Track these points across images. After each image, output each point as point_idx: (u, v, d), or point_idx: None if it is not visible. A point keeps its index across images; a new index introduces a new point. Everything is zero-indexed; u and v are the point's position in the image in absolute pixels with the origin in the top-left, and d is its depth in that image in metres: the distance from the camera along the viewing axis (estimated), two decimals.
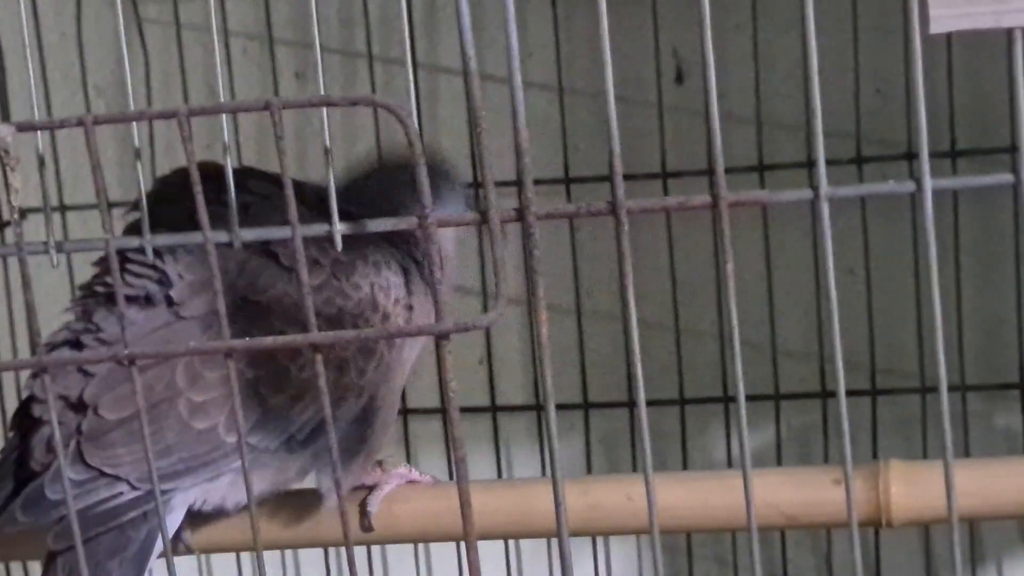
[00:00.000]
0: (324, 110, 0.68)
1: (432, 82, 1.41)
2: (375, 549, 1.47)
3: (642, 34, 1.37)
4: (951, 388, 1.34)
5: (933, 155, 1.29)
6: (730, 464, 1.41)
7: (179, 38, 1.41)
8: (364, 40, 1.39)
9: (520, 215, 0.65)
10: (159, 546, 0.89)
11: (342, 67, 1.43)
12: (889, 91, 1.38)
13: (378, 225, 0.66)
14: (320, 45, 1.38)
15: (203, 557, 1.47)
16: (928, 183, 0.61)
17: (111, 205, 1.43)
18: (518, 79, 0.63)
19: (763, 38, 1.35)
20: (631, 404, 1.39)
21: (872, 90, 1.37)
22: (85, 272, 1.45)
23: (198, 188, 0.63)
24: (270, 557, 1.50)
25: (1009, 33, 0.60)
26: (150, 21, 1.44)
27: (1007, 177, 0.61)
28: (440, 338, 0.64)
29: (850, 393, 1.35)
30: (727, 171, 1.45)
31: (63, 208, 1.44)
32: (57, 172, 1.43)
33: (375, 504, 1.01)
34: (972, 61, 1.34)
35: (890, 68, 1.36)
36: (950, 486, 0.67)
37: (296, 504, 1.05)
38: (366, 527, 1.01)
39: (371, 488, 1.01)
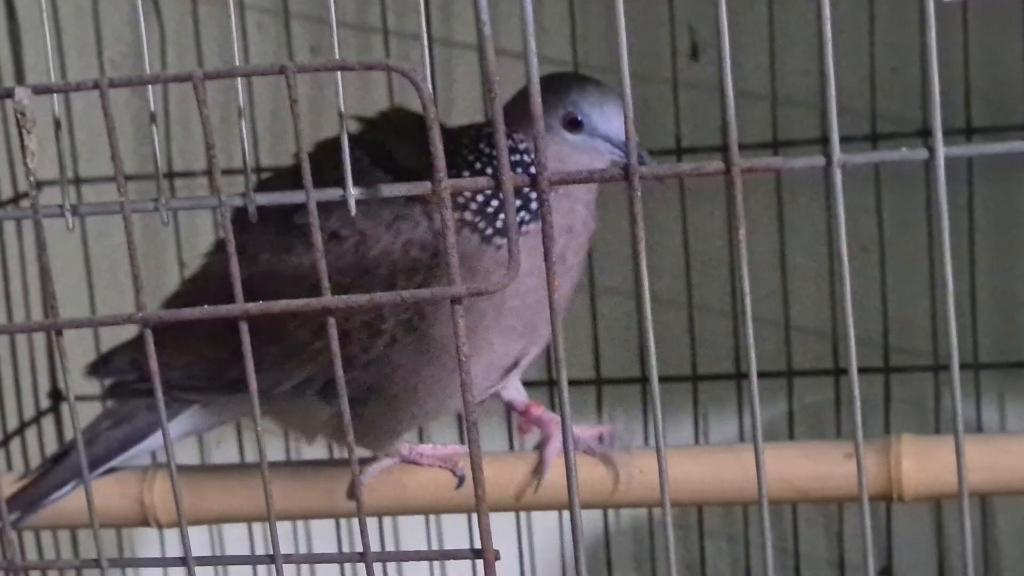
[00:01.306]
0: (339, 77, 0.68)
1: (447, 56, 1.41)
2: (387, 521, 1.48)
3: (657, 10, 1.37)
4: (964, 366, 1.36)
5: (948, 132, 1.30)
6: (742, 439, 1.41)
7: (195, 12, 1.41)
8: (379, 15, 1.39)
9: (534, 181, 0.65)
10: (145, 445, 1.05)
11: (357, 42, 1.44)
12: (904, 69, 1.37)
13: (392, 190, 0.67)
14: (335, 20, 1.39)
15: (215, 528, 1.48)
16: (941, 150, 0.61)
17: (126, 178, 1.45)
18: (532, 45, 0.63)
19: (779, 14, 1.35)
20: (643, 380, 1.39)
21: (888, 68, 1.37)
22: (100, 244, 1.46)
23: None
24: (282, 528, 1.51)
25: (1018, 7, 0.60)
26: None
27: (1021, 144, 0.61)
28: (453, 302, 0.64)
29: (863, 370, 1.36)
30: (741, 147, 1.45)
31: (78, 181, 1.44)
32: (72, 145, 1.43)
33: (368, 476, 1.02)
34: (988, 40, 1.34)
35: (906, 46, 1.36)
36: (960, 461, 0.68)
37: (311, 475, 1.06)
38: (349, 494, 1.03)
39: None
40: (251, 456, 1.48)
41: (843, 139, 1.39)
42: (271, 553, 0.69)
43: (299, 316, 0.91)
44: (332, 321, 0.65)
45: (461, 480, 1.02)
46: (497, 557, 0.66)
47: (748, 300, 0.66)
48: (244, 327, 0.65)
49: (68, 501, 1.05)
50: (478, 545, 0.67)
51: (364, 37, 1.44)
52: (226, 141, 1.38)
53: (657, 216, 1.39)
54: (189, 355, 1.02)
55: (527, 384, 1.46)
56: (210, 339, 1.00)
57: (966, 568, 0.68)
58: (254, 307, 0.65)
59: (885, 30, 1.34)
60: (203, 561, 0.72)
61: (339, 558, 0.70)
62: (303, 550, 1.52)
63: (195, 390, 1.03)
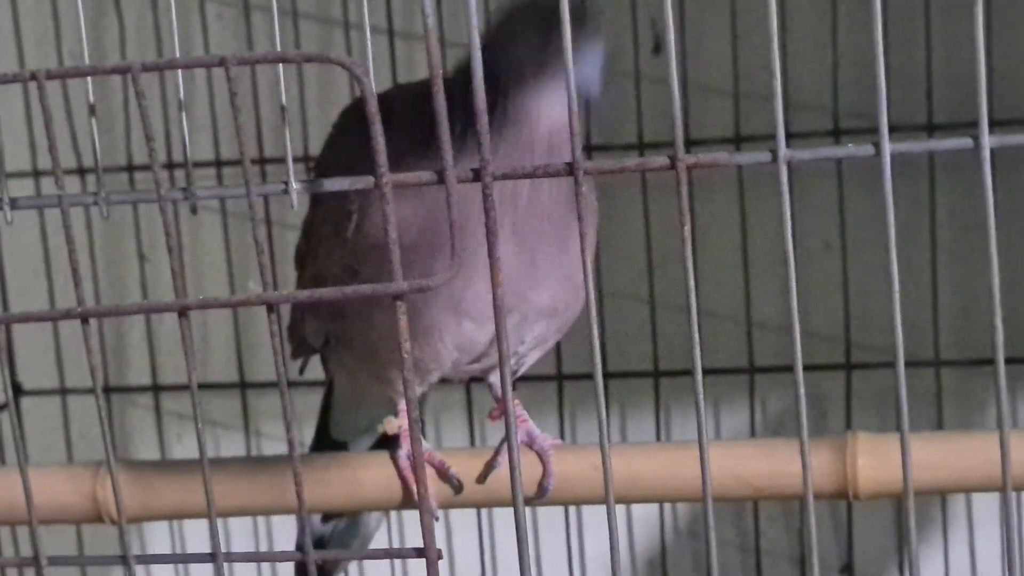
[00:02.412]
0: (280, 69, 0.67)
1: (409, 50, 1.40)
2: None
3: (620, 4, 1.36)
4: (926, 363, 1.35)
5: (910, 128, 1.31)
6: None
7: (155, 4, 1.40)
8: (340, 7, 1.38)
9: (477, 175, 0.64)
10: None
11: (318, 34, 1.43)
12: (868, 64, 1.37)
13: (333, 184, 0.66)
14: (295, 11, 1.39)
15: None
16: (887, 146, 0.61)
17: (84, 171, 1.44)
18: (476, 39, 0.63)
19: (741, 9, 1.34)
20: (605, 376, 1.39)
21: (851, 63, 1.36)
22: (59, 236, 1.45)
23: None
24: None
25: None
26: None
27: (966, 141, 0.60)
28: (395, 298, 0.64)
29: (825, 367, 1.37)
30: (703, 142, 1.45)
31: (36, 173, 1.44)
32: (31, 136, 1.42)
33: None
34: (950, 36, 1.34)
35: (869, 41, 1.35)
36: (906, 459, 0.67)
37: (270, 470, 1.05)
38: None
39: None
40: (212, 452, 1.47)
41: (805, 135, 1.39)
42: (212, 552, 0.69)
43: None
44: (274, 316, 0.65)
45: (459, 483, 1.01)
46: (440, 556, 0.66)
47: (694, 295, 0.65)
48: (187, 322, 0.64)
49: (16, 497, 1.04)
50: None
51: (326, 29, 1.43)
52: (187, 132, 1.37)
53: (618, 211, 1.38)
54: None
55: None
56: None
57: (912, 568, 0.68)
58: (193, 302, 0.64)
59: (848, 25, 1.34)
60: (142, 559, 0.71)
61: (280, 556, 0.69)
62: (263, 547, 1.52)
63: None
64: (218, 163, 1.41)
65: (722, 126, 1.37)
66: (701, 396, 0.66)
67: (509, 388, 0.66)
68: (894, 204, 1.34)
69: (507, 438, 0.67)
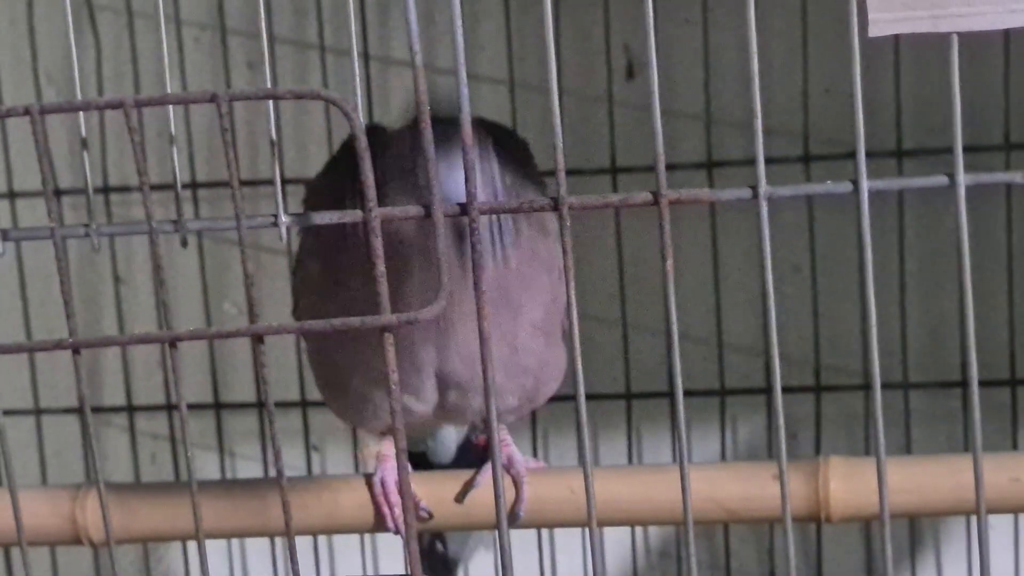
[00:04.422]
0: (271, 103, 0.68)
1: (383, 74, 1.41)
2: (322, 540, 1.48)
3: (593, 29, 1.38)
4: (894, 386, 1.37)
5: (879, 155, 1.32)
6: (675, 458, 1.42)
7: (131, 26, 1.41)
8: (316, 31, 1.39)
9: (464, 210, 0.65)
10: None
11: (294, 57, 1.43)
12: (837, 90, 1.39)
13: (323, 218, 0.67)
14: (272, 35, 1.40)
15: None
16: (864, 184, 0.62)
17: (60, 192, 1.44)
18: (463, 74, 0.64)
19: (713, 34, 1.36)
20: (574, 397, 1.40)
21: (821, 89, 1.38)
22: (34, 258, 1.46)
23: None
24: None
25: (946, 37, 0.61)
26: (102, 8, 1.44)
27: (942, 179, 0.62)
28: (383, 331, 0.65)
29: (794, 389, 1.39)
30: (675, 167, 1.46)
31: (12, 195, 1.44)
32: (7, 159, 1.43)
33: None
34: (919, 62, 1.36)
35: (839, 68, 1.37)
36: (882, 483, 0.68)
37: (244, 492, 1.06)
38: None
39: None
40: (186, 473, 1.47)
41: (775, 160, 1.41)
42: None
43: None
44: (260, 347, 0.65)
45: (428, 514, 1.02)
46: None
47: (675, 328, 0.67)
48: (176, 353, 0.65)
49: None
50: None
51: (301, 53, 1.44)
52: (160, 157, 1.37)
53: (591, 233, 1.40)
54: None
55: None
56: None
57: None
58: (184, 334, 0.65)
59: (818, 51, 1.36)
60: None
61: None
62: (237, 569, 1.52)
63: None
64: (194, 185, 1.41)
65: (692, 150, 1.38)
66: (683, 421, 0.68)
67: (494, 413, 0.68)
68: (860, 229, 1.36)
69: (492, 463, 0.68)
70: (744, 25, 1.36)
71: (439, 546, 1.14)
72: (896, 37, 1.34)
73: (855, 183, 0.62)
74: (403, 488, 0.66)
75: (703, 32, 1.35)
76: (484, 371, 0.66)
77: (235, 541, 1.51)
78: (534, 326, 0.96)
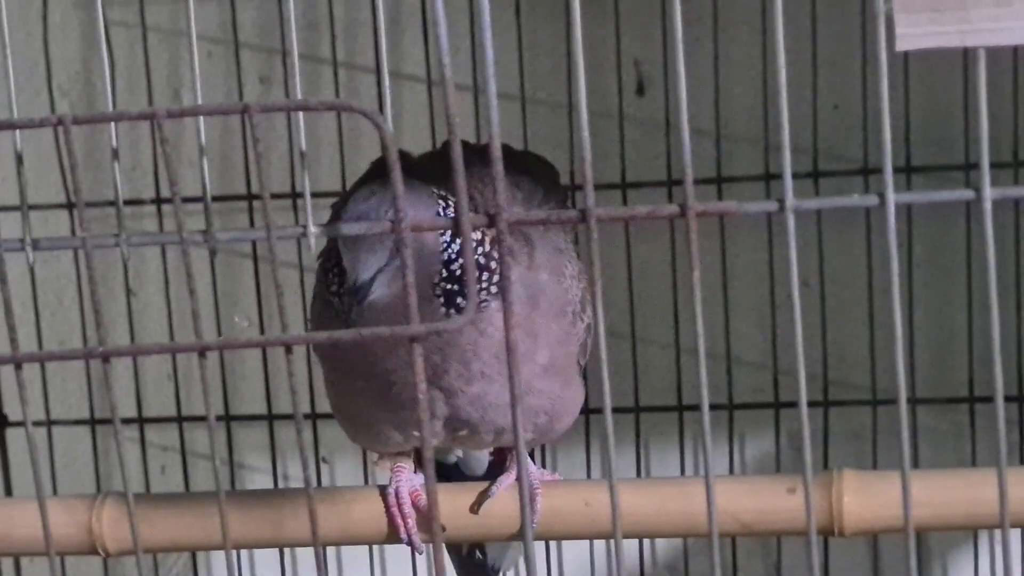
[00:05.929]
0: (300, 115, 0.69)
1: (395, 89, 1.42)
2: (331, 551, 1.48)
3: (604, 45, 1.39)
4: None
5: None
6: (683, 471, 1.42)
7: (145, 40, 1.41)
8: (329, 45, 1.40)
9: (492, 221, 0.66)
10: None
11: (306, 72, 1.44)
12: (846, 107, 1.40)
13: (351, 228, 0.68)
14: (285, 50, 1.40)
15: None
16: (891, 197, 0.63)
17: (72, 205, 1.45)
18: (493, 88, 0.65)
19: (723, 50, 1.37)
20: (588, 412, 1.41)
21: (830, 106, 1.39)
22: (46, 270, 1.46)
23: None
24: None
25: (972, 51, 0.61)
26: (116, 23, 1.44)
27: (968, 193, 0.62)
28: (412, 340, 0.65)
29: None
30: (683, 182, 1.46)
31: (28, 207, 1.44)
32: (19, 172, 1.43)
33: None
34: (928, 79, 1.36)
35: (848, 84, 1.38)
36: (907, 496, 0.69)
37: (255, 503, 1.06)
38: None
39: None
40: (195, 484, 1.48)
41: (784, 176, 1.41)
42: None
43: None
44: (290, 356, 0.66)
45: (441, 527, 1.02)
46: None
47: (702, 339, 0.67)
48: (205, 363, 0.66)
49: (15, 528, 1.05)
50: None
51: (313, 67, 1.44)
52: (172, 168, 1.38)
53: (600, 249, 1.40)
54: None
55: None
56: None
57: None
58: (214, 343, 0.66)
59: (828, 68, 1.36)
60: None
61: None
62: None
63: None
64: (204, 198, 1.42)
65: (704, 166, 1.39)
66: (708, 434, 0.68)
67: (520, 426, 0.68)
68: (872, 243, 1.37)
69: (518, 475, 0.69)
70: (753, 44, 1.38)
71: (478, 555, 1.14)
72: (905, 54, 1.35)
73: (882, 196, 0.63)
74: (430, 499, 0.67)
75: (714, 48, 1.36)
76: (511, 378, 0.67)
77: (243, 552, 1.51)
78: (544, 368, 0.98)
